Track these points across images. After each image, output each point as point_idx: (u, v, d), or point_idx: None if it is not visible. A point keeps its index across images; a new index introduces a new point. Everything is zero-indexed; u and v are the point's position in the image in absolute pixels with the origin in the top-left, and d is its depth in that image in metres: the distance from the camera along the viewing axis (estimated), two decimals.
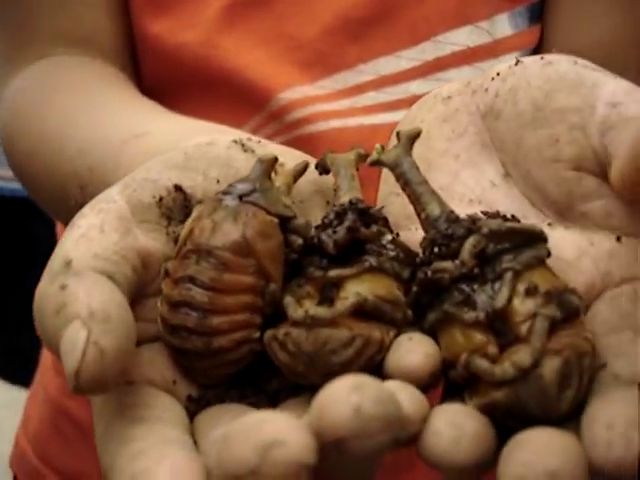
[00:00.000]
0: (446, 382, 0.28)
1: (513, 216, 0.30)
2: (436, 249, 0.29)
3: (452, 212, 0.30)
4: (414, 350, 0.27)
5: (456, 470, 0.24)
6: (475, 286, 0.27)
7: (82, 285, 0.25)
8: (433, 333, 0.28)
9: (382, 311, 0.28)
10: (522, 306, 0.26)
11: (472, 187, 0.33)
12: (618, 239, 0.29)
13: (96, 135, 0.43)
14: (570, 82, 0.30)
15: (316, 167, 0.34)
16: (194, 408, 0.28)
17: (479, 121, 0.33)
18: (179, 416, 0.27)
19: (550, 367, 0.24)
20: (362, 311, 0.28)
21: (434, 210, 0.30)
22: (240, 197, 0.29)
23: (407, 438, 0.24)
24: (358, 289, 0.29)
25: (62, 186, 0.43)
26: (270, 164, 0.31)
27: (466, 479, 0.25)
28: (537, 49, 0.53)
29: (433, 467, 0.25)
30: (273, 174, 0.32)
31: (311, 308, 0.27)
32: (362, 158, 0.34)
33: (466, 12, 0.50)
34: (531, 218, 0.31)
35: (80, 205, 0.42)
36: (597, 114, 0.28)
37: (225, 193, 0.30)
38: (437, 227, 0.29)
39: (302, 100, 0.50)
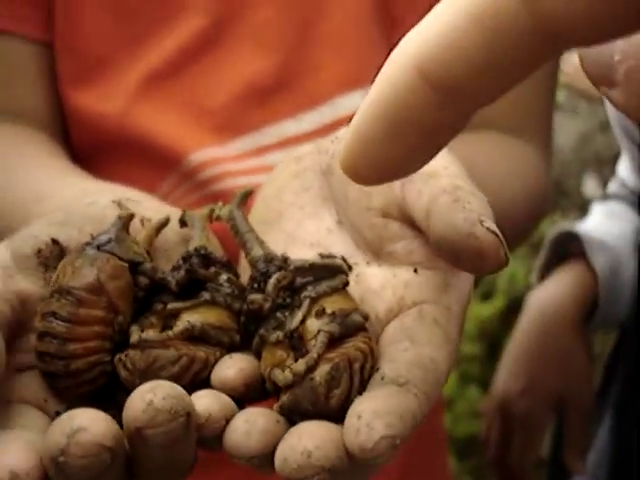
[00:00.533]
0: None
1: (329, 255, 0.36)
2: (255, 285, 0.35)
3: (269, 254, 0.36)
4: (231, 366, 0.34)
5: (247, 458, 0.30)
6: (287, 313, 0.34)
7: None
8: (258, 354, 0.35)
9: (209, 335, 0.35)
10: (312, 326, 0.33)
11: (313, 233, 0.39)
12: (415, 271, 0.35)
13: (6, 202, 0.49)
14: None
15: (179, 221, 0.41)
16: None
17: (322, 178, 0.39)
18: (42, 425, 0.33)
19: (320, 371, 0.31)
20: (193, 336, 0.35)
21: (256, 253, 0.36)
22: (98, 247, 0.36)
23: (213, 433, 0.31)
24: (190, 318, 0.35)
25: None
26: (127, 219, 0.38)
27: (261, 467, 0.31)
28: None
29: (232, 457, 0.31)
30: (140, 227, 0.39)
31: (144, 333, 0.34)
32: (212, 213, 0.41)
33: (359, 77, 0.57)
34: (356, 258, 0.37)
35: None
36: None
37: (87, 244, 0.36)
38: (257, 267, 0.36)
39: (212, 161, 0.56)
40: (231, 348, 0.36)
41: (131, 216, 0.38)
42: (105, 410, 0.35)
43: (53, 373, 0.35)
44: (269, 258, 0.36)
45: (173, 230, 0.40)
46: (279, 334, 0.33)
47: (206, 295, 0.36)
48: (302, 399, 0.31)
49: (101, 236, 0.37)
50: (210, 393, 0.32)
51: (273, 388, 0.33)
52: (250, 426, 0.30)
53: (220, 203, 0.39)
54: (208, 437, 0.31)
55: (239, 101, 0.57)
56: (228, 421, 0.31)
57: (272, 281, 0.34)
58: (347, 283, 0.35)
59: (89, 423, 0.28)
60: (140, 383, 0.33)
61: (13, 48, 0.57)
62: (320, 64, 0.57)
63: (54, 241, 0.37)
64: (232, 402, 0.32)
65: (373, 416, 0.28)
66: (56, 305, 0.35)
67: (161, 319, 0.36)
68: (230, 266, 0.38)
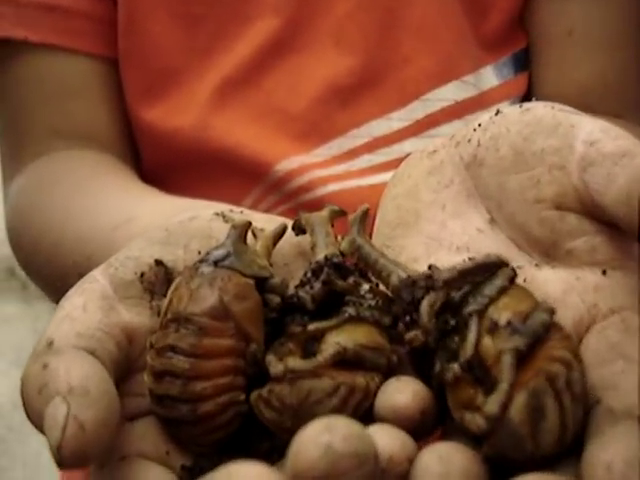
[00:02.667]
0: None
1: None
2: (407, 319, 0.29)
3: (409, 277, 0.29)
4: (402, 390, 0.27)
5: None
6: (456, 339, 0.27)
7: (62, 362, 0.25)
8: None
9: (364, 358, 0.28)
10: (489, 347, 0.26)
11: (459, 235, 0.33)
12: (604, 272, 0.29)
13: (91, 223, 0.44)
14: (548, 125, 0.30)
15: (293, 228, 0.35)
16: (188, 478, 0.28)
17: (463, 171, 0.33)
18: None
19: (516, 406, 0.24)
20: (345, 361, 0.28)
21: (395, 280, 0.30)
22: (215, 263, 0.30)
23: (395, 478, 0.24)
24: (338, 339, 0.29)
25: (63, 277, 0.44)
26: (244, 228, 0.31)
27: None
28: (526, 96, 0.53)
29: None
30: (253, 239, 0.33)
31: (290, 362, 0.27)
32: (336, 214, 0.34)
33: (451, 68, 0.51)
34: (519, 261, 0.31)
35: None
36: (576, 153, 0.29)
37: (201, 261, 0.30)
38: (402, 296, 0.29)
39: (299, 169, 0.51)
40: (388, 373, 0.29)
41: (248, 225, 0.32)
42: None
43: (177, 419, 0.28)
44: (410, 281, 0.29)
45: (288, 242, 0.35)
46: (455, 370, 0.26)
47: (350, 310, 0.30)
48: (504, 448, 0.24)
49: (216, 251, 0.31)
50: (386, 429, 0.26)
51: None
52: (446, 466, 0.24)
53: (339, 237, 0.33)
54: None
55: (322, 104, 0.52)
56: (411, 462, 0.24)
57: (424, 308, 0.27)
58: (514, 276, 0.28)
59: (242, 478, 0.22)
60: (292, 424, 0.27)
61: (73, 66, 0.53)
62: (407, 57, 0.52)
63: (158, 262, 0.32)
64: (411, 438, 0.26)
65: (627, 466, 0.22)
66: (174, 337, 0.28)
67: (300, 344, 0.29)
68: (366, 275, 0.32)
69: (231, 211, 0.35)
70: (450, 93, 0.51)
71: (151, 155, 0.55)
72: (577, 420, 0.24)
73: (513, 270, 0.28)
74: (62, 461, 0.24)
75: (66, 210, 0.48)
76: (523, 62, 0.53)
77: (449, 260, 0.31)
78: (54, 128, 0.54)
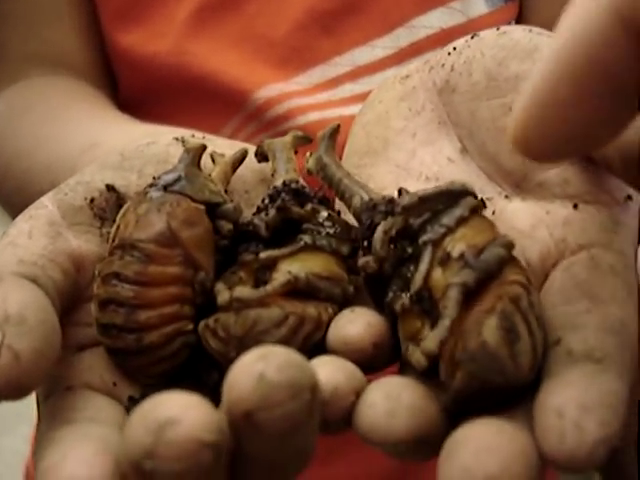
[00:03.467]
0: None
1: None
2: (365, 243, 0.27)
3: (371, 200, 0.28)
4: (355, 320, 0.26)
5: (392, 444, 0.22)
6: (411, 267, 0.26)
7: (1, 290, 0.24)
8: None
9: (317, 288, 0.27)
10: (439, 280, 0.24)
11: (429, 164, 0.31)
12: (575, 207, 0.27)
13: (58, 150, 0.43)
14: (524, 49, 0.29)
15: (255, 155, 0.33)
16: (134, 408, 0.27)
17: (436, 97, 0.31)
18: (114, 416, 0.26)
19: (490, 329, 0.22)
20: (297, 291, 0.27)
21: (357, 203, 0.28)
22: (165, 187, 0.28)
23: (341, 412, 0.23)
24: (290, 268, 0.27)
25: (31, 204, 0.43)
26: (197, 152, 0.30)
27: (406, 456, 0.23)
28: (516, 24, 0.51)
29: (367, 442, 0.23)
30: (211, 164, 0.31)
31: (237, 291, 0.26)
32: (300, 140, 0.33)
33: None
34: (488, 192, 0.29)
35: None
36: None
37: (151, 186, 0.29)
38: (361, 219, 0.28)
39: (279, 97, 0.49)
40: (344, 304, 0.28)
41: (202, 148, 0.30)
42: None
43: (122, 350, 0.27)
44: (371, 205, 0.27)
45: (250, 168, 0.33)
46: (404, 300, 0.25)
47: (306, 238, 0.28)
48: (484, 374, 0.22)
49: (167, 175, 0.29)
50: (332, 360, 0.24)
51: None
52: (393, 403, 0.22)
53: (307, 154, 0.31)
54: (334, 418, 0.23)
55: (304, 30, 0.49)
56: (358, 395, 0.23)
57: (378, 235, 0.26)
58: (477, 207, 0.26)
59: (181, 412, 0.20)
60: (237, 354, 0.25)
61: None
62: None
63: (109, 187, 0.30)
64: (359, 371, 0.24)
65: (581, 412, 0.20)
66: (119, 264, 0.27)
67: (252, 273, 0.28)
68: (327, 202, 0.30)
69: (192, 136, 0.33)
70: (436, 20, 0.49)
71: (128, 82, 0.53)
72: (542, 346, 0.23)
73: (477, 199, 0.26)
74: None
75: (36, 137, 0.46)
76: None
77: (417, 189, 0.29)
78: (27, 54, 0.52)
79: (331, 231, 0.29)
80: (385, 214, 0.27)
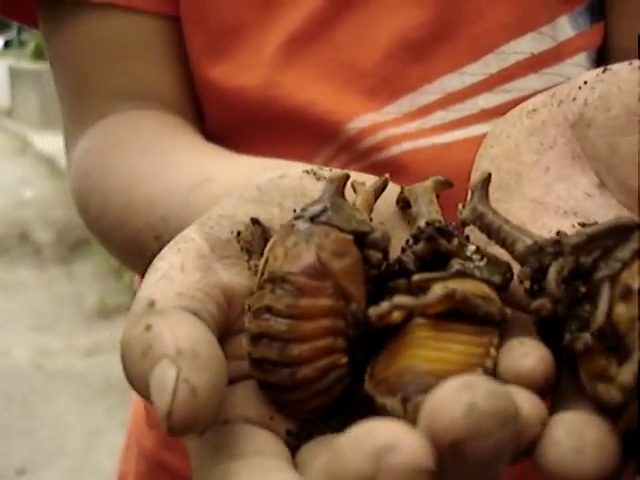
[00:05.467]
0: None
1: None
2: (535, 287, 0.27)
3: (536, 243, 0.27)
4: (528, 354, 0.25)
5: None
6: (587, 307, 0.25)
7: (167, 324, 0.24)
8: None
9: (475, 305, 0.26)
10: (622, 314, 0.24)
11: (565, 199, 0.31)
12: None
13: (164, 184, 0.42)
14: None
15: (397, 203, 0.33)
16: (294, 442, 0.27)
17: (568, 131, 0.31)
18: (279, 449, 0.26)
19: None
20: (455, 313, 0.26)
21: (520, 247, 0.28)
22: (312, 219, 0.28)
23: (526, 443, 0.23)
24: (446, 285, 0.27)
25: (135, 238, 0.43)
26: (341, 182, 0.30)
27: None
28: (601, 48, 0.51)
29: (549, 477, 0.22)
30: (353, 194, 0.31)
31: (396, 298, 0.26)
32: (441, 185, 0.33)
33: (526, 19, 0.49)
34: None
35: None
36: None
37: (297, 218, 0.29)
38: (529, 263, 0.27)
39: (371, 127, 0.49)
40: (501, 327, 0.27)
41: (346, 178, 0.30)
42: (346, 426, 0.28)
43: (276, 384, 0.27)
44: (537, 248, 0.27)
45: (386, 202, 0.33)
46: (586, 339, 0.24)
47: (457, 266, 0.28)
48: None
49: (312, 207, 0.29)
50: (516, 390, 0.24)
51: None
52: (579, 440, 0.22)
53: (460, 205, 0.31)
54: (520, 448, 0.23)
55: (393, 59, 0.49)
56: (544, 425, 0.23)
57: (551, 276, 0.26)
58: None
59: (397, 438, 0.20)
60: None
61: (134, 25, 0.51)
62: (481, 9, 0.49)
63: (254, 221, 0.30)
64: (541, 400, 0.24)
65: None
66: (270, 298, 0.27)
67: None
68: (470, 242, 0.30)
69: (320, 169, 0.33)
70: (526, 45, 0.49)
71: (216, 115, 0.53)
72: None
73: None
74: (171, 428, 0.22)
75: (135, 171, 0.46)
76: (598, 12, 0.50)
77: (558, 225, 0.29)
78: (116, 89, 0.52)
79: (480, 264, 0.28)
80: (554, 255, 0.26)
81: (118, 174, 0.47)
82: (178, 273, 0.27)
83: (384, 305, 0.26)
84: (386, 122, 0.49)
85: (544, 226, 0.29)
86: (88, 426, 2.36)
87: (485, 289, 0.27)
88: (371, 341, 0.27)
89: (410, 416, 0.24)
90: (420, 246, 0.28)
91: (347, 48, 0.49)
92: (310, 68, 0.49)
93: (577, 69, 0.50)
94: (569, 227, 0.29)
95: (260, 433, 0.26)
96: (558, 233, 0.28)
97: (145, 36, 0.51)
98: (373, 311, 0.26)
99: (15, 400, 2.50)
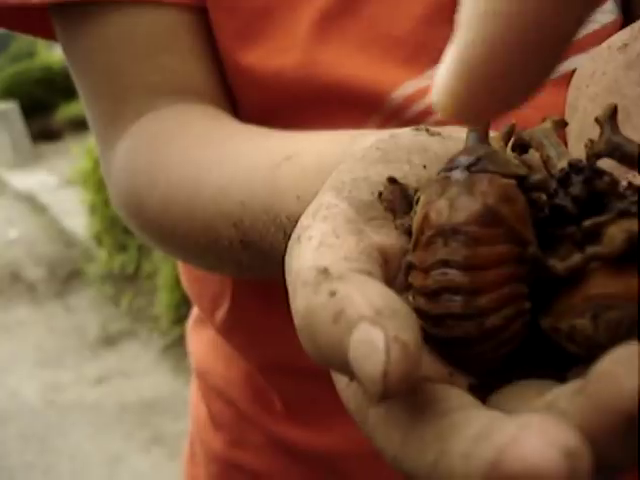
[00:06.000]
0: None
1: None
2: None
3: None
4: None
5: None
6: None
7: (353, 286, 0.23)
8: None
9: None
10: None
11: None
12: None
13: (236, 170, 0.41)
14: None
15: (513, 149, 0.32)
16: (479, 396, 0.26)
17: None
18: (475, 402, 0.24)
19: None
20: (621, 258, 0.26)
21: None
22: (468, 168, 0.27)
23: None
24: (621, 228, 0.26)
25: (207, 229, 0.42)
26: (484, 129, 0.29)
27: None
28: None
29: None
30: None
31: (589, 249, 0.25)
32: (560, 124, 0.32)
33: None
34: None
35: (240, 241, 0.40)
36: None
37: (449, 169, 0.28)
38: None
39: (416, 94, 0.48)
40: None
41: (488, 124, 0.29)
42: (530, 373, 0.27)
43: (461, 338, 0.26)
44: None
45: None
46: None
47: (620, 205, 0.27)
48: None
49: (462, 157, 0.28)
50: None
51: None
52: None
53: (587, 140, 0.30)
54: None
55: (428, 24, 0.49)
56: None
57: None
58: None
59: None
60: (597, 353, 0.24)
61: (160, 18, 0.50)
62: None
63: (392, 180, 0.29)
64: None
65: None
66: (445, 251, 0.26)
67: (572, 246, 0.27)
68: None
69: (427, 130, 0.33)
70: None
71: (253, 101, 0.52)
72: None
73: None
74: (388, 389, 0.21)
75: (198, 162, 0.45)
76: None
77: None
78: (151, 85, 0.51)
79: (635, 199, 0.28)
80: None
81: (179, 167, 0.46)
82: (334, 239, 0.26)
83: (576, 258, 0.25)
84: (429, 87, 0.48)
85: None
86: (108, 453, 2.34)
87: None
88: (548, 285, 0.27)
89: (602, 334, 0.24)
90: (578, 188, 0.27)
91: (380, 18, 0.49)
92: (346, 42, 0.49)
93: (609, 15, 0.49)
94: None
95: (450, 389, 0.25)
96: None
97: (174, 29, 0.50)
98: (562, 265, 0.25)
99: (32, 438, 2.47)
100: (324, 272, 0.24)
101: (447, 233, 0.26)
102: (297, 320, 0.24)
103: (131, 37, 0.50)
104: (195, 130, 0.48)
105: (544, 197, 0.28)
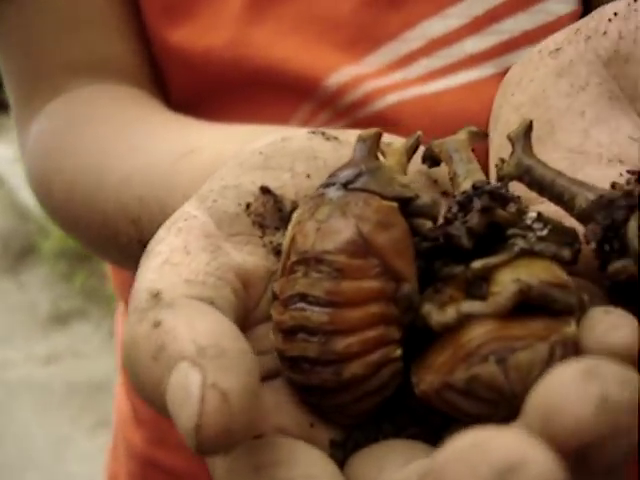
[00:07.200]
0: None
1: None
2: (607, 247, 0.23)
3: (602, 197, 0.24)
4: (619, 326, 0.21)
5: None
6: None
7: (180, 317, 0.20)
8: None
9: (552, 298, 0.22)
10: None
11: (608, 145, 0.27)
12: None
13: (138, 162, 0.38)
14: None
15: (423, 160, 0.28)
16: (340, 455, 0.22)
17: (602, 70, 0.28)
18: (331, 470, 0.21)
19: None
20: (524, 305, 0.22)
21: (582, 203, 0.24)
22: (345, 185, 0.23)
23: None
24: (514, 277, 0.22)
25: (106, 223, 0.39)
26: (374, 140, 0.25)
27: None
28: None
29: None
30: (380, 155, 0.26)
31: (464, 306, 0.21)
32: (476, 136, 0.28)
33: None
34: None
35: (138, 241, 0.36)
36: None
37: (327, 185, 0.24)
38: (597, 220, 0.23)
39: (352, 81, 0.44)
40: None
41: (379, 135, 0.25)
42: (401, 430, 0.23)
43: (317, 387, 0.22)
44: (605, 201, 0.23)
45: (412, 167, 0.29)
46: None
47: (520, 243, 0.23)
48: None
49: (343, 171, 0.24)
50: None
51: None
52: None
53: (498, 159, 0.27)
54: None
55: (370, 6, 0.45)
56: None
57: (632, 232, 0.22)
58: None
59: (522, 453, 0.15)
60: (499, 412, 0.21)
61: None
62: None
63: (264, 190, 0.25)
64: None
65: None
66: (304, 283, 0.22)
67: (462, 288, 0.23)
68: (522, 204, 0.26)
69: (323, 133, 0.29)
70: None
71: (182, 82, 0.49)
72: None
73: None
74: (201, 444, 0.18)
75: (105, 148, 0.42)
76: None
77: (602, 175, 0.26)
78: (70, 63, 0.47)
79: (543, 234, 0.24)
80: (628, 209, 0.22)
81: (85, 152, 0.43)
82: (183, 256, 0.23)
83: (450, 313, 0.21)
84: (367, 74, 0.45)
85: (587, 177, 0.26)
86: (54, 435, 2.29)
87: (557, 271, 0.23)
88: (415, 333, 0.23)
89: (513, 377, 0.20)
90: (475, 219, 0.23)
91: None
92: (281, 22, 0.45)
93: (564, 6, 0.46)
94: (616, 177, 0.25)
95: (303, 449, 0.21)
96: (613, 186, 0.24)
97: (98, 5, 0.47)
98: (437, 318, 0.22)
99: None
100: (156, 297, 0.21)
101: (310, 262, 0.22)
102: (123, 350, 0.21)
103: (51, 11, 0.47)
104: (109, 113, 0.45)
105: (429, 224, 0.24)
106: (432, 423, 0.22)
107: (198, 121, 0.41)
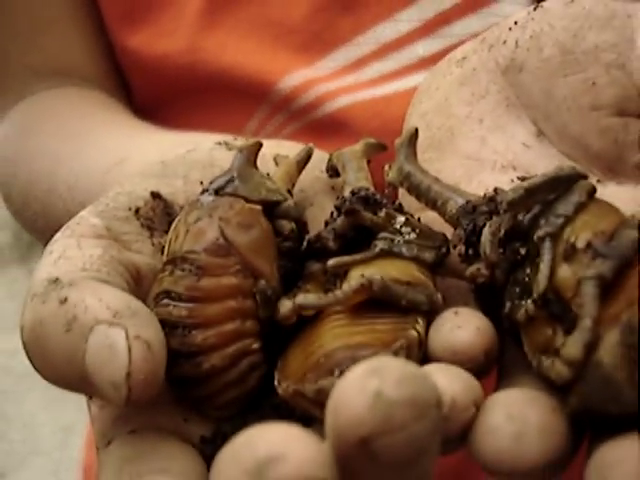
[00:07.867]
0: None
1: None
2: (470, 250, 0.24)
3: (468, 202, 0.25)
4: (463, 325, 0.22)
5: (521, 474, 0.19)
6: (528, 270, 0.23)
7: (85, 291, 0.21)
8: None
9: (397, 295, 0.23)
10: (567, 276, 0.21)
11: (503, 152, 0.29)
12: None
13: (83, 168, 0.39)
14: (599, 17, 0.26)
15: (327, 171, 0.30)
16: (210, 450, 0.23)
17: (500, 78, 0.29)
18: (190, 464, 0.22)
19: (607, 346, 0.19)
20: (373, 302, 0.23)
21: (452, 208, 0.25)
22: (217, 191, 0.25)
23: (458, 430, 0.20)
24: (364, 273, 0.24)
25: (59, 228, 0.40)
26: (252, 150, 0.27)
27: None
28: None
29: (490, 472, 0.20)
30: (274, 166, 0.28)
31: (299, 297, 0.23)
32: (373, 148, 0.30)
33: None
34: None
35: None
36: (637, 48, 0.25)
37: (202, 192, 0.26)
38: (462, 225, 0.25)
39: (305, 84, 0.45)
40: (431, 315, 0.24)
41: (258, 146, 0.27)
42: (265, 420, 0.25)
43: (180, 379, 0.24)
44: (470, 207, 0.24)
45: (315, 174, 0.30)
46: (528, 307, 0.21)
47: (381, 245, 0.25)
48: (595, 400, 0.19)
49: (219, 178, 0.26)
50: (445, 368, 0.21)
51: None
52: (520, 424, 0.19)
53: (386, 166, 0.28)
54: (452, 435, 0.20)
55: (322, 11, 0.46)
56: (477, 407, 0.20)
57: (485, 238, 0.23)
58: (594, 190, 0.23)
59: (284, 446, 0.17)
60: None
61: None
62: None
63: (155, 195, 0.27)
64: (474, 379, 0.21)
65: None
66: (169, 281, 0.24)
67: (320, 285, 0.25)
68: (403, 210, 0.27)
69: (235, 139, 0.31)
70: None
71: (140, 87, 0.49)
72: None
73: (590, 182, 0.23)
74: (134, 393, 0.20)
75: (56, 155, 0.43)
76: None
77: (495, 181, 0.27)
78: (31, 67, 0.48)
79: (410, 237, 0.25)
80: (489, 214, 0.24)
81: (40, 159, 0.44)
82: (76, 251, 0.24)
83: (286, 306, 0.23)
84: (320, 78, 0.46)
85: (481, 184, 0.27)
86: (61, 423, 2.32)
87: (414, 271, 0.24)
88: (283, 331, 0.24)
89: None
90: (339, 221, 0.25)
91: (273, 3, 0.46)
92: (235, 28, 0.46)
93: (515, 7, 0.47)
94: (508, 183, 0.27)
95: (169, 445, 0.23)
96: (495, 190, 0.25)
97: (58, 8, 0.48)
98: (281, 310, 0.24)
99: None
100: (55, 282, 0.22)
101: (177, 261, 0.24)
102: (24, 337, 0.22)
103: (10, 15, 0.48)
104: (63, 118, 0.46)
105: (291, 226, 0.25)
106: (297, 418, 0.24)
107: (139, 127, 0.43)
